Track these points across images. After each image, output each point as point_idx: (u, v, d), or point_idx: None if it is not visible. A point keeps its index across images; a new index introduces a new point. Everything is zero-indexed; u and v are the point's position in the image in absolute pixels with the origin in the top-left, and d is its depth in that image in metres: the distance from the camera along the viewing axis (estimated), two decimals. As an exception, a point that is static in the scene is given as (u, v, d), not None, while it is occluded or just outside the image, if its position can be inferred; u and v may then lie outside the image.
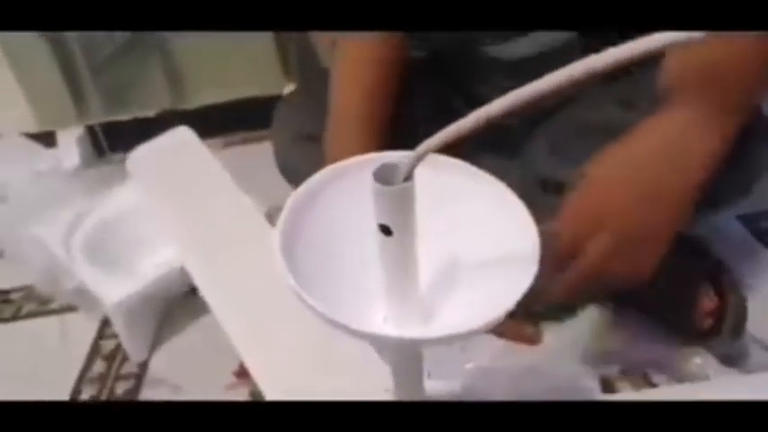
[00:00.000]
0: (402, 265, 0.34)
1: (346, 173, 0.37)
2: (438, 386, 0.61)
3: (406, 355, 0.40)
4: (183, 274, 0.75)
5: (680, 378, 0.62)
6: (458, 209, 0.37)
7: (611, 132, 0.58)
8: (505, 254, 0.35)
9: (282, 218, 0.35)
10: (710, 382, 0.61)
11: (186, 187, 0.85)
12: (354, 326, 0.31)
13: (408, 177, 0.30)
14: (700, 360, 0.63)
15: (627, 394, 0.61)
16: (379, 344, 0.33)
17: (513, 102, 0.25)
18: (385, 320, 0.37)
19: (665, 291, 0.63)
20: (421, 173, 0.31)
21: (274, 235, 0.34)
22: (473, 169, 0.37)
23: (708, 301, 0.64)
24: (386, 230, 0.32)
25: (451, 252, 0.37)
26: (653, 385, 0.62)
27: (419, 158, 0.30)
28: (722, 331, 0.62)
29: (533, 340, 0.68)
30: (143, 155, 0.89)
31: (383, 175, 0.30)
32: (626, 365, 0.64)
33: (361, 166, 0.36)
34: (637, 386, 0.62)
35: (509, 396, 0.60)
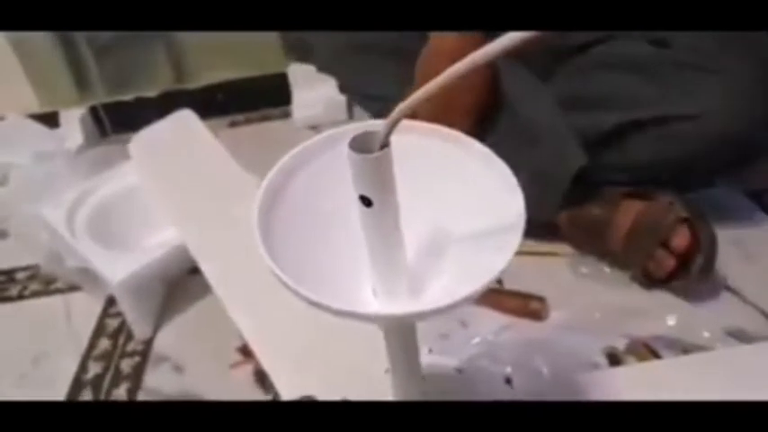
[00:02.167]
0: (386, 237, 0.33)
1: (322, 148, 0.37)
2: (441, 361, 0.60)
3: (397, 328, 0.40)
4: (187, 251, 0.75)
5: (687, 351, 0.61)
6: (441, 177, 0.36)
7: (639, 67, 0.66)
8: (491, 219, 0.34)
9: (259, 202, 0.34)
10: (715, 353, 0.60)
11: (188, 170, 0.85)
12: (337, 305, 0.30)
13: (385, 145, 0.29)
14: (708, 334, 0.63)
15: (633, 367, 0.61)
16: (369, 322, 0.32)
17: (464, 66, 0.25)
18: (375, 294, 0.36)
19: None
20: (400, 142, 0.30)
21: (252, 218, 0.34)
22: (454, 134, 0.36)
23: (680, 240, 0.64)
24: (366, 202, 0.31)
25: (438, 221, 0.37)
26: (659, 358, 0.61)
27: (393, 125, 0.29)
28: (691, 271, 0.64)
29: (539, 315, 0.67)
30: (145, 138, 0.89)
31: (360, 145, 0.29)
32: (631, 339, 0.63)
33: (337, 139, 0.36)
34: (643, 360, 0.61)
35: (513, 369, 0.60)
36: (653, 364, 0.61)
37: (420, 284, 0.36)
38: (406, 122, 0.30)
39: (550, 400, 0.56)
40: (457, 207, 0.36)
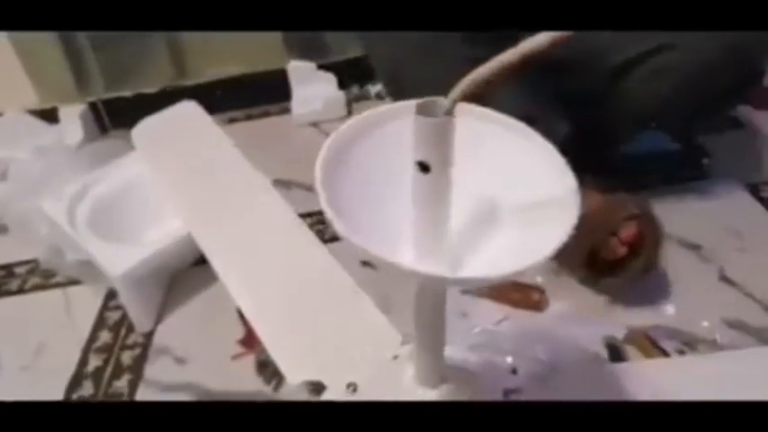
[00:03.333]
0: (436, 205, 0.34)
1: (387, 116, 0.37)
2: (454, 351, 0.61)
3: (430, 295, 0.40)
4: (188, 244, 0.75)
5: (686, 342, 0.62)
6: (495, 158, 0.37)
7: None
8: (541, 203, 0.35)
9: (323, 153, 0.34)
10: (719, 354, 0.61)
11: (191, 158, 0.85)
12: (387, 257, 0.30)
13: (449, 112, 0.30)
14: (707, 323, 0.63)
15: (638, 363, 0.61)
16: (408, 277, 0.32)
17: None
18: (414, 262, 0.37)
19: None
20: (460, 123, 0.31)
21: (316, 169, 0.34)
22: (512, 121, 0.37)
23: (627, 233, 0.65)
24: (423, 167, 0.32)
25: (487, 199, 0.37)
26: (660, 349, 0.62)
27: (461, 93, 0.29)
28: (627, 269, 0.65)
29: (538, 306, 0.68)
30: (148, 127, 0.89)
31: (425, 111, 0.30)
32: (630, 328, 0.64)
33: (401, 111, 0.36)
34: (643, 350, 0.62)
35: (515, 359, 0.61)
36: (658, 362, 0.61)
37: (461, 256, 0.36)
38: (462, 105, 0.30)
39: (553, 388, 0.56)
40: (508, 189, 0.37)
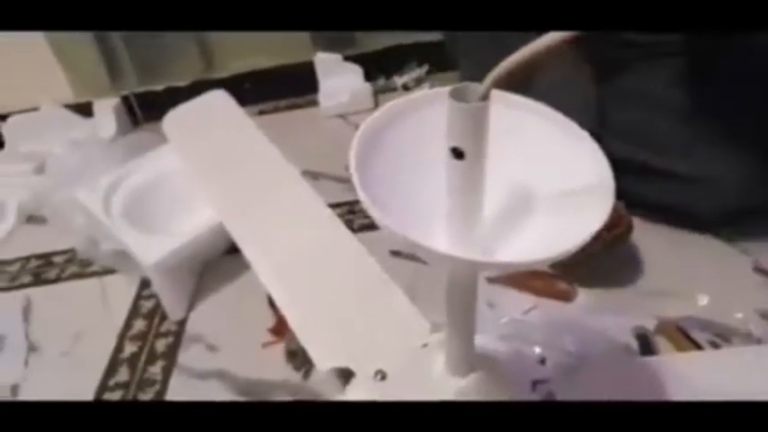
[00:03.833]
0: (470, 192, 0.34)
1: (421, 102, 0.37)
2: (483, 340, 0.61)
3: (462, 283, 0.40)
4: (220, 233, 0.76)
5: (719, 333, 0.61)
6: (529, 146, 0.37)
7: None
8: (576, 192, 0.34)
9: (357, 139, 0.35)
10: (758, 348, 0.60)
11: (221, 146, 0.86)
12: (419, 240, 0.30)
13: (484, 98, 0.30)
14: (741, 315, 0.62)
15: (671, 356, 0.60)
16: (439, 262, 0.32)
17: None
18: (447, 248, 0.37)
19: None
20: (494, 110, 0.31)
21: (350, 155, 0.34)
22: (545, 108, 0.37)
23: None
24: (457, 154, 0.32)
25: (520, 187, 0.37)
26: (692, 341, 0.61)
27: (496, 78, 0.29)
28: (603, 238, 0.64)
29: (567, 296, 0.68)
30: (179, 115, 0.90)
31: (460, 96, 0.30)
32: (661, 319, 0.63)
33: (435, 98, 0.36)
34: (675, 341, 0.61)
35: (544, 349, 0.60)
36: (690, 355, 0.60)
37: (494, 245, 0.36)
38: (496, 92, 0.30)
39: (582, 380, 0.56)
40: (542, 177, 0.37)
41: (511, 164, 0.37)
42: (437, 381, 0.47)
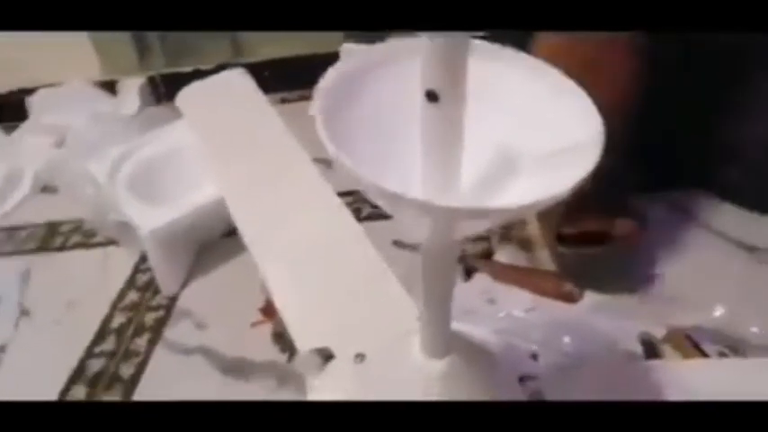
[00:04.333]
0: (446, 141, 0.31)
1: (404, 51, 0.34)
2: (466, 329, 0.58)
3: (438, 250, 0.37)
4: (219, 210, 0.74)
5: (730, 345, 0.56)
6: (514, 101, 0.34)
7: None
8: (563, 148, 0.31)
9: (323, 86, 0.32)
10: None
11: (233, 124, 0.85)
12: (391, 187, 0.27)
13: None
14: (756, 329, 0.57)
15: (670, 362, 0.56)
16: (413, 210, 0.29)
17: None
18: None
19: None
20: (475, 64, 0.28)
21: (314, 105, 0.32)
22: (532, 60, 0.33)
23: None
24: (432, 96, 0.29)
25: (503, 145, 0.34)
26: (701, 351, 0.56)
27: None
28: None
29: (572, 297, 0.64)
30: (194, 91, 0.89)
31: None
32: (671, 327, 0.58)
33: (412, 46, 0.34)
34: (681, 350, 0.56)
35: (540, 348, 0.57)
36: (692, 362, 0.56)
37: (476, 200, 0.33)
38: (478, 42, 0.28)
39: (574, 379, 0.52)
40: (526, 131, 0.33)
41: (494, 121, 0.33)
42: (412, 363, 0.44)
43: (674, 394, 0.48)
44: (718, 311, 0.60)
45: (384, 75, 0.34)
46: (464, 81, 0.29)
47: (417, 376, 0.42)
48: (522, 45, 0.35)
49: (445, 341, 0.42)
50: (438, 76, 0.28)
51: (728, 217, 0.68)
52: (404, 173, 0.32)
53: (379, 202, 0.31)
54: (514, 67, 0.33)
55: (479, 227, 0.36)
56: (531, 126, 0.33)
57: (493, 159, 0.34)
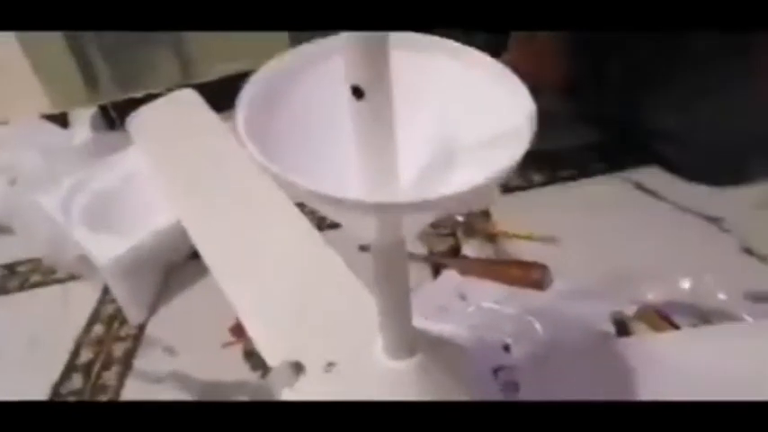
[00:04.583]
0: (378, 134, 0.30)
1: (329, 51, 0.33)
2: (436, 327, 0.57)
3: (385, 250, 0.36)
4: (181, 234, 0.73)
5: (701, 316, 0.56)
6: (444, 92, 0.33)
7: None
8: (498, 135, 0.31)
9: (244, 97, 0.31)
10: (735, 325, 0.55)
11: (186, 145, 0.83)
12: (325, 191, 0.27)
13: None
14: (724, 296, 0.58)
15: (643, 337, 0.56)
16: (353, 212, 0.28)
17: None
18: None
19: None
20: (401, 56, 0.28)
21: (237, 118, 0.31)
22: (456, 45, 0.33)
23: None
24: (357, 92, 0.28)
25: (438, 137, 0.33)
26: (673, 325, 0.56)
27: None
28: None
29: (540, 284, 0.63)
30: (144, 115, 0.88)
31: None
32: (641, 304, 0.58)
33: (333, 44, 0.33)
34: (654, 326, 0.56)
35: (513, 339, 0.56)
36: (666, 335, 0.56)
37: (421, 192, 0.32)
38: (401, 35, 0.27)
39: (550, 365, 0.52)
40: (458, 122, 0.33)
41: (427, 112, 0.33)
42: (378, 367, 0.43)
43: (647, 369, 0.48)
44: (687, 283, 0.60)
45: (309, 77, 0.33)
46: (388, 74, 0.28)
47: (384, 379, 0.42)
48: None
49: (408, 341, 0.42)
50: (360, 72, 0.28)
51: (686, 192, 0.69)
52: (341, 175, 0.31)
53: (320, 208, 0.30)
54: (442, 55, 0.33)
55: (424, 220, 0.35)
56: (466, 113, 0.32)
57: (431, 151, 0.33)
